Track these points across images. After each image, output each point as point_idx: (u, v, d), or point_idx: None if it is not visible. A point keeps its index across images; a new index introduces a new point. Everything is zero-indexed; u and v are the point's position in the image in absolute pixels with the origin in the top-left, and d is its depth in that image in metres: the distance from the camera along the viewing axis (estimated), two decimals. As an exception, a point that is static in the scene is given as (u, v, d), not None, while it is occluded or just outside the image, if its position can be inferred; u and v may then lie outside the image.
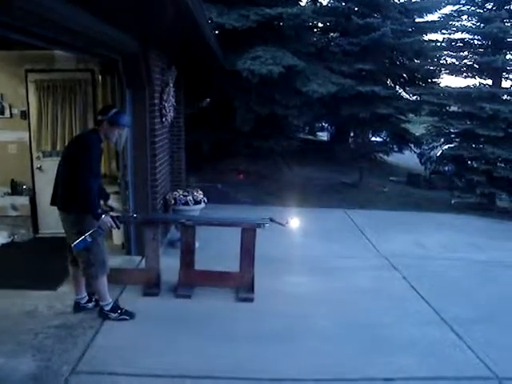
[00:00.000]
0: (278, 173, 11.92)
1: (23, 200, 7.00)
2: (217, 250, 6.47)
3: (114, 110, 4.51)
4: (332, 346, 4.31)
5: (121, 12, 4.08)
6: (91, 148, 4.29)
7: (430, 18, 13.78)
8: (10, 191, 7.07)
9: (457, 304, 5.33)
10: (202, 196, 6.92)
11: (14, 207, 6.98)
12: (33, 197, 7.03)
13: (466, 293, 5.74)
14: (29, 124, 6.93)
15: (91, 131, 4.62)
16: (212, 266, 5.51)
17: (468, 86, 11.84)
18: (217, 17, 9.66)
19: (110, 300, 4.60)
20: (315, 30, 14.01)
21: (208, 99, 13.00)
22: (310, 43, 12.31)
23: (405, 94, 14.31)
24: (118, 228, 4.65)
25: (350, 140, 16.45)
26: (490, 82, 11.94)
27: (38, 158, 6.99)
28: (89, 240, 4.19)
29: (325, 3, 14.20)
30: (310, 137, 22.39)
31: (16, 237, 6.86)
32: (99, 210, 4.27)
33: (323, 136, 24.26)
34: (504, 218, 10.37)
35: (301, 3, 12.91)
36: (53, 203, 4.47)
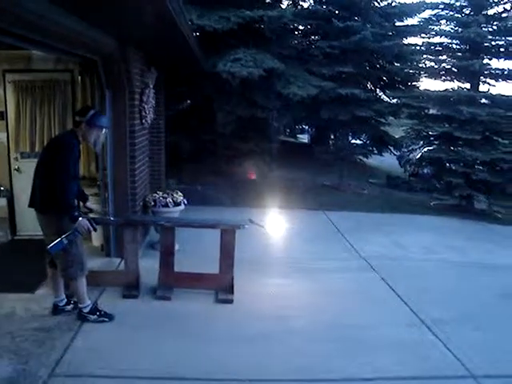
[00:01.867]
0: (258, 174, 11.93)
1: (0, 202, 6.90)
2: (197, 251, 6.45)
3: (92, 112, 4.47)
4: (311, 347, 4.33)
5: (99, 12, 4.05)
6: (69, 150, 4.24)
7: (409, 21, 13.95)
8: (-13, 193, 6.98)
9: (435, 305, 5.39)
10: (181, 198, 6.90)
11: (-8, 209, 6.89)
12: (11, 198, 6.93)
13: (444, 293, 5.82)
14: (6, 125, 6.84)
15: (69, 132, 4.58)
16: (192, 268, 5.49)
17: (447, 90, 11.98)
18: (197, 19, 9.64)
19: (89, 302, 4.57)
20: (296, 32, 14.12)
21: (189, 101, 12.97)
22: (290, 46, 12.41)
23: (385, 96, 14.44)
24: (95, 230, 4.62)
25: (331, 142, 16.55)
26: (468, 85, 12.09)
27: (16, 159, 6.91)
28: (65, 242, 4.16)
29: (306, 6, 14.31)
30: (291, 139, 22.45)
31: (-7, 239, 6.77)
32: (76, 213, 4.24)
33: (304, 138, 24.35)
34: (482, 219, 10.51)
35: (282, 6, 12.99)
36: (31, 205, 4.42)
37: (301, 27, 14.00)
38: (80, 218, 4.21)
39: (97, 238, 6.57)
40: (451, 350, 4.35)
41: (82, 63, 6.24)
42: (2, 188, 6.98)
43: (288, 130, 23.47)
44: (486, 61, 11.92)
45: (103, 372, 3.73)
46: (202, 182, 10.75)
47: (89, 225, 4.29)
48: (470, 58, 11.44)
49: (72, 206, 4.24)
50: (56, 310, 4.65)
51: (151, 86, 6.88)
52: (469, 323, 4.96)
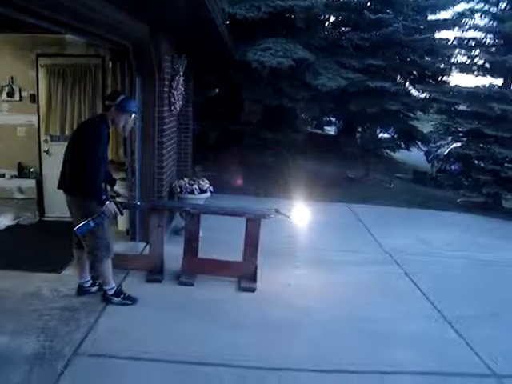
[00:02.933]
0: (283, 165, 11.89)
1: (30, 183, 7.05)
2: (221, 239, 6.47)
3: (122, 96, 4.51)
4: (331, 339, 4.34)
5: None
6: (98, 134, 4.30)
7: (442, 15, 13.70)
8: (16, 174, 7.11)
9: (458, 302, 5.34)
10: (207, 185, 6.93)
11: (21, 190, 7.03)
12: (40, 180, 7.08)
13: (468, 291, 5.75)
14: (38, 108, 6.97)
15: (99, 116, 4.62)
16: (216, 255, 5.53)
17: (478, 86, 11.76)
18: (228, 6, 9.64)
19: (114, 284, 4.64)
20: (327, 23, 14.00)
21: (217, 89, 12.98)
22: (321, 37, 12.31)
23: (414, 91, 14.24)
24: (122, 214, 4.68)
25: (357, 135, 16.40)
26: (500, 81, 11.84)
27: (46, 141, 7.04)
28: (92, 225, 4.23)
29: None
30: (318, 131, 22.34)
31: (21, 219, 6.92)
32: (104, 196, 4.30)
33: (330, 130, 24.20)
34: (509, 218, 10.33)
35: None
36: (60, 187, 4.49)
37: (332, 18, 13.90)
38: (108, 202, 4.28)
39: (122, 223, 6.64)
40: (473, 347, 4.31)
41: (112, 48, 6.29)
42: (31, 170, 7.11)
43: (315, 122, 23.34)
44: (520, 57, 11.63)
45: (126, 353, 3.80)
46: (227, 170, 10.78)
47: (116, 209, 4.35)
48: (504, 54, 11.19)
49: (100, 190, 4.29)
50: (81, 290, 4.74)
51: (181, 73, 6.90)
52: (493, 321, 4.89)
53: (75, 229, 4.27)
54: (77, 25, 4.24)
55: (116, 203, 4.43)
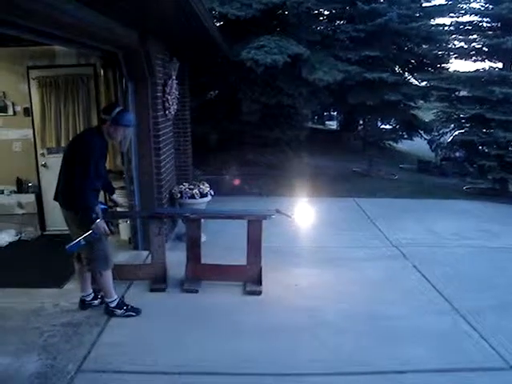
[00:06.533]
0: (286, 163, 11.81)
1: (29, 198, 6.99)
2: (224, 242, 6.40)
3: (117, 109, 4.35)
4: (342, 339, 4.23)
5: (117, 4, 3.99)
6: (89, 148, 4.18)
7: (437, 1, 13.58)
8: (15, 189, 7.05)
9: (470, 293, 5.22)
10: (208, 189, 6.84)
11: (21, 205, 6.98)
12: (39, 194, 7.02)
13: (479, 281, 5.61)
14: (32, 121, 6.91)
15: (94, 130, 4.51)
16: (219, 260, 5.45)
17: (477, 70, 11.61)
18: (219, 6, 9.55)
19: (116, 296, 4.56)
20: (320, 17, 13.86)
21: (213, 91, 12.90)
22: (315, 31, 12.23)
23: (413, 80, 14.10)
24: (112, 233, 4.54)
25: (359, 128, 16.31)
26: (500, 64, 11.68)
27: (43, 154, 6.97)
28: (82, 243, 4.16)
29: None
30: (319, 126, 22.24)
31: (23, 235, 6.88)
32: (94, 215, 4.15)
33: (332, 125, 24.09)
34: (517, 203, 10.21)
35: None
36: (55, 199, 4.44)
37: (325, 12, 13.75)
38: (98, 220, 4.16)
39: (125, 232, 6.58)
40: (487, 340, 4.18)
41: (103, 57, 6.21)
42: (30, 184, 7.06)
43: (316, 117, 23.26)
44: (519, 38, 11.48)
45: (129, 368, 3.71)
46: (229, 172, 10.70)
47: (106, 227, 4.23)
48: (501, 36, 11.02)
49: (89, 207, 4.15)
50: (83, 304, 4.67)
51: (174, 77, 6.82)
52: (506, 312, 4.75)
53: (66, 247, 4.19)
54: (63, 35, 4.17)
55: (107, 221, 4.31)
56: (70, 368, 3.66)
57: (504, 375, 3.73)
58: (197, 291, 5.12)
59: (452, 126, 13.17)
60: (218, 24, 10.38)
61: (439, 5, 13.14)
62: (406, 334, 4.32)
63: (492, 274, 5.85)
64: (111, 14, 4.28)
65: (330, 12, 13.66)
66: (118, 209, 5.70)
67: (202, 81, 10.75)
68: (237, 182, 10.31)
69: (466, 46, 12.28)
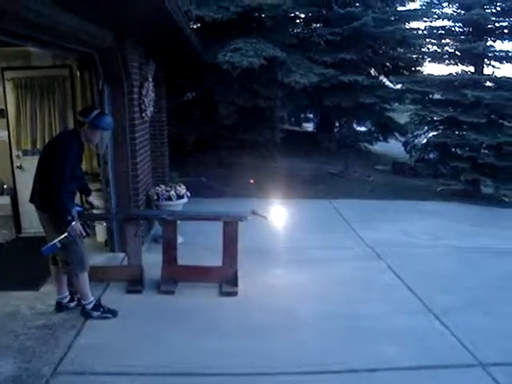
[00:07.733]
0: (262, 164, 11.87)
1: (4, 200, 6.89)
2: (201, 244, 6.42)
3: (95, 112, 4.36)
4: (317, 338, 4.30)
5: (93, 5, 4.00)
6: (65, 150, 4.18)
7: (411, 6, 13.77)
8: (-10, 191, 6.97)
9: (442, 292, 5.34)
10: (184, 190, 6.86)
11: (-5, 207, 6.88)
12: (14, 196, 6.92)
13: (452, 280, 5.76)
14: (7, 123, 6.82)
15: (71, 132, 4.53)
16: (196, 261, 5.47)
17: (450, 74, 11.82)
18: (195, 9, 9.57)
19: (92, 298, 4.55)
20: (297, 20, 13.97)
21: (190, 93, 12.89)
22: (292, 34, 12.33)
23: (388, 82, 14.29)
24: (88, 236, 4.52)
25: (335, 130, 16.44)
26: (472, 68, 11.93)
27: (18, 156, 6.89)
28: (58, 246, 4.15)
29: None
30: (296, 128, 22.33)
31: (-2, 237, 6.78)
32: (69, 217, 4.14)
33: (309, 127, 24.17)
34: (489, 204, 10.41)
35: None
36: (31, 201, 4.42)
37: (302, 15, 13.87)
38: (73, 223, 4.15)
39: (101, 234, 6.56)
40: (459, 338, 4.30)
41: (79, 58, 6.19)
42: (5, 186, 6.97)
43: (293, 119, 23.35)
44: (489, 43, 11.69)
45: (108, 369, 3.72)
46: (206, 173, 10.72)
47: (82, 230, 4.22)
48: (473, 41, 11.27)
49: (65, 209, 4.14)
50: (60, 307, 4.65)
51: (150, 79, 6.82)
52: (477, 310, 4.89)
53: (42, 250, 4.18)
54: (38, 36, 4.15)
55: (82, 224, 4.31)
56: (45, 371, 3.65)
57: (474, 372, 3.83)
58: (173, 293, 5.13)
59: (426, 128, 13.37)
60: (194, 26, 10.42)
61: (414, 9, 13.37)
62: (380, 332, 4.40)
63: (464, 274, 6.00)
64: (86, 15, 4.28)
65: (307, 15, 13.80)
66: (95, 211, 5.68)
67: (178, 83, 10.74)
68: (213, 183, 10.32)
69: (439, 50, 12.52)
